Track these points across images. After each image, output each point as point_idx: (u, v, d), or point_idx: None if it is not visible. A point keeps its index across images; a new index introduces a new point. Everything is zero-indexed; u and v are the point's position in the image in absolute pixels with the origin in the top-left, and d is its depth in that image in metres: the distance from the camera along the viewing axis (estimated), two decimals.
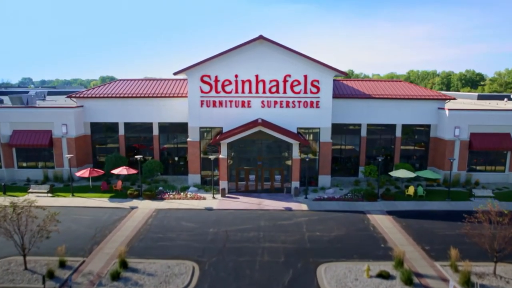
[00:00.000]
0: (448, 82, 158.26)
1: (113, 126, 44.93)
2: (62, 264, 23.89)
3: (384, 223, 31.36)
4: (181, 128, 43.60)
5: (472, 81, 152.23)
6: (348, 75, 45.70)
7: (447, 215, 33.45)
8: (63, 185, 41.49)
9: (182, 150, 44.76)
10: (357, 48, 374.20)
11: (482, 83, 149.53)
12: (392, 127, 44.52)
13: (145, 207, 35.04)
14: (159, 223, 31.39)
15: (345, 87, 46.12)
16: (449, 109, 41.90)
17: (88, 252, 26.17)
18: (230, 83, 39.78)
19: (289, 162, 38.86)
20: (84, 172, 38.42)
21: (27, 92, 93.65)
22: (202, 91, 39.93)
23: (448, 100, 44.06)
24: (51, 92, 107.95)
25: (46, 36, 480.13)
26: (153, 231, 29.65)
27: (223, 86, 39.83)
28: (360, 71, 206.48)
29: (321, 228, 30.40)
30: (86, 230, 29.80)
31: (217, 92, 39.93)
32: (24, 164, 44.07)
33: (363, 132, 44.42)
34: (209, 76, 39.64)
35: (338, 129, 43.64)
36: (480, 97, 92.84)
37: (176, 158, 45.74)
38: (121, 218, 32.31)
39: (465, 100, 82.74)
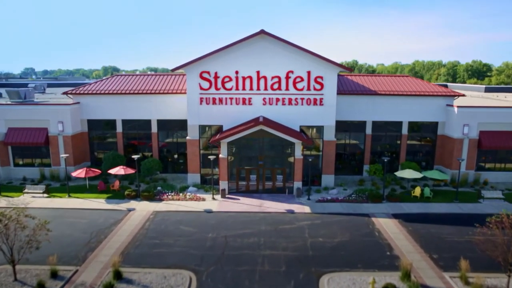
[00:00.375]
0: (454, 73, 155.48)
1: (111, 123, 43.73)
2: (54, 274, 22.92)
3: (389, 228, 30.15)
4: (181, 125, 42.33)
5: (479, 72, 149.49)
6: (353, 70, 44.04)
7: (455, 218, 32.19)
8: (60, 184, 40.48)
9: (182, 147, 43.50)
10: (361, 38, 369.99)
11: (489, 74, 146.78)
12: (398, 124, 43.02)
13: (142, 209, 33.99)
14: (157, 227, 30.34)
15: (349, 82, 44.57)
16: (458, 106, 40.33)
17: (82, 260, 25.16)
18: (230, 79, 38.37)
19: (291, 159, 37.52)
20: (80, 172, 37.33)
21: (26, 85, 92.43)
22: (201, 88, 38.56)
23: (456, 97, 42.45)
24: (51, 84, 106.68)
25: (49, 26, 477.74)
26: (149, 236, 28.62)
27: (223, 83, 38.43)
28: (364, 61, 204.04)
29: (324, 233, 29.25)
30: (81, 235, 28.79)
31: (217, 89, 38.55)
32: (20, 162, 43.08)
33: (368, 130, 42.98)
34: (208, 73, 38.24)
35: (342, 126, 42.25)
36: (488, 90, 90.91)
37: (176, 156, 44.55)
38: (118, 222, 31.28)
39: (472, 93, 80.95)
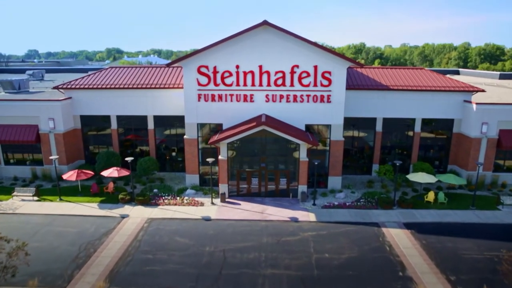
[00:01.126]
0: (465, 57, 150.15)
1: (105, 120, 41.29)
2: None
3: (401, 241, 27.81)
4: (179, 121, 39.80)
5: (491, 56, 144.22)
6: (363, 66, 41.09)
7: (473, 229, 29.77)
8: (52, 185, 38.40)
9: (181, 143, 40.89)
10: (369, 18, 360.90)
11: (502, 57, 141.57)
12: (410, 121, 40.21)
13: (136, 215, 31.88)
14: (150, 238, 28.23)
15: (358, 76, 41.58)
16: (476, 103, 37.34)
17: (68, 280, 23.16)
18: (231, 74, 35.58)
19: (296, 160, 34.97)
20: (71, 175, 35.05)
21: (24, 71, 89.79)
22: (199, 84, 35.85)
23: (475, 92, 39.37)
24: (52, 70, 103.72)
25: (54, 6, 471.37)
26: (142, 250, 26.53)
27: (222, 78, 35.68)
28: (372, 44, 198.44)
29: (330, 247, 26.99)
30: (69, 248, 26.76)
31: (216, 84, 35.83)
32: (12, 161, 41.02)
33: (379, 127, 40.22)
34: (207, 67, 35.45)
35: (350, 123, 39.59)
36: (503, 76, 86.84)
37: (174, 154, 42.23)
38: (110, 231, 29.21)
39: (486, 80, 77.13)
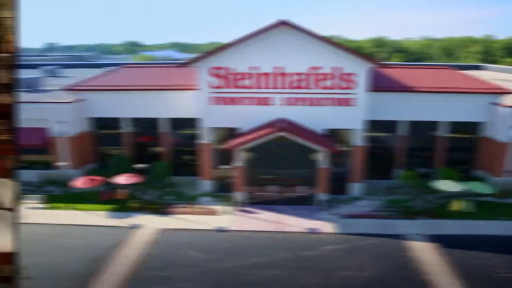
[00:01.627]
0: (488, 51, 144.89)
1: (117, 122, 40.15)
2: None
3: (427, 257, 25.96)
4: (193, 124, 38.11)
5: None
6: (387, 67, 39.03)
7: (503, 243, 27.72)
8: (61, 191, 37.19)
9: (195, 147, 39.41)
10: (386, 10, 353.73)
11: None
12: (434, 124, 38.00)
13: (147, 225, 30.66)
14: (161, 252, 26.95)
15: (380, 77, 39.51)
16: (506, 106, 35.01)
17: None
18: (246, 77, 33.95)
19: (315, 165, 33.25)
20: (79, 182, 33.71)
21: (40, 67, 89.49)
22: (214, 86, 34.31)
23: (505, 94, 36.91)
24: (68, 65, 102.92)
25: None
26: (152, 267, 25.21)
27: (238, 81, 34.06)
28: (389, 35, 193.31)
29: (351, 263, 25.36)
30: (74, 264, 25.11)
31: (231, 87, 34.23)
32: (19, 165, 40.29)
33: (401, 130, 38.20)
34: (221, 69, 33.83)
35: (371, 127, 37.60)
36: None
37: (188, 158, 40.90)
38: (119, 243, 27.99)
39: (511, 77, 73.83)
